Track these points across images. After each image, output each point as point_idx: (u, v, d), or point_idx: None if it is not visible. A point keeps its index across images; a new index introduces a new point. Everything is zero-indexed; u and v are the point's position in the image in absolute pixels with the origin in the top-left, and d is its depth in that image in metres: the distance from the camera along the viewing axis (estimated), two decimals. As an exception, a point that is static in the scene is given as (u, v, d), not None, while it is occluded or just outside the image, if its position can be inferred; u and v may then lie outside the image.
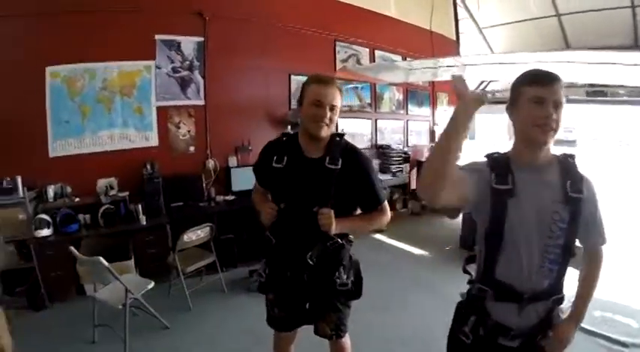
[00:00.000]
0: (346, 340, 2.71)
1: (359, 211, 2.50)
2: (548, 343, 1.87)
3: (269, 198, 2.46)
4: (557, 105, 1.68)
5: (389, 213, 2.50)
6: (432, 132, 10.11)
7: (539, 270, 1.79)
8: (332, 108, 2.24)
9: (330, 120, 2.25)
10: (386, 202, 2.50)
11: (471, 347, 1.95)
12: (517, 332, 1.84)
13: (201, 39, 6.34)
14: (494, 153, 1.90)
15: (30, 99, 5.28)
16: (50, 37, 5.34)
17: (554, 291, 1.84)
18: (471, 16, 10.20)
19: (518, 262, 1.79)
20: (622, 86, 8.37)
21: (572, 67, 4.47)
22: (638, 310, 4.55)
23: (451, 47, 10.08)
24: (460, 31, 10.47)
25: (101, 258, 3.64)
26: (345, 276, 2.44)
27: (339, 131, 2.57)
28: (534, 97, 1.70)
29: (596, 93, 8.88)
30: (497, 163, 1.85)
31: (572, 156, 1.85)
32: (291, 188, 2.33)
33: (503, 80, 9.27)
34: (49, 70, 5.38)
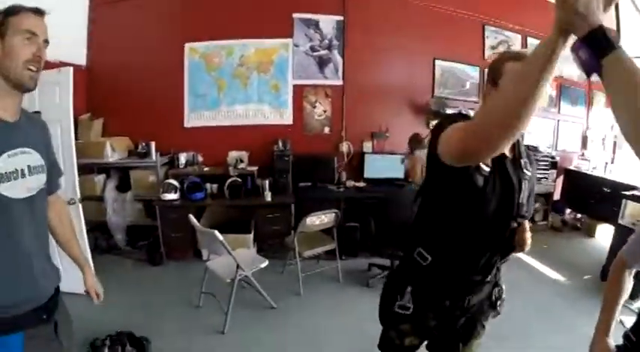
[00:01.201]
0: None
1: None
2: None
3: None
4: None
5: None
6: (584, 138, 9.00)
7: None
8: None
9: None
10: None
11: None
12: None
13: (341, 18, 6.13)
14: None
15: (170, 72, 5.59)
16: (190, 15, 5.60)
17: None
18: (635, 5, 9.20)
19: None
20: None
21: None
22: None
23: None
24: (621, 18, 9.45)
25: (216, 232, 3.58)
26: (498, 295, 1.99)
27: None
28: None
29: None
30: None
31: None
32: (495, 197, 1.66)
33: None
34: (187, 46, 5.63)
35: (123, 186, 5.34)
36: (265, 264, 3.99)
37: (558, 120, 8.44)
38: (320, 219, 4.54)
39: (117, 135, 5.40)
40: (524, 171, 1.73)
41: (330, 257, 4.94)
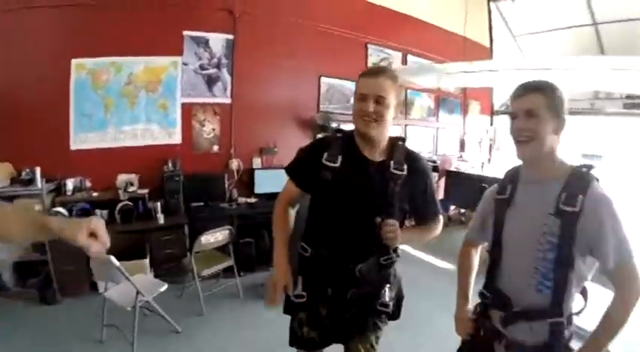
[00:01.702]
0: None
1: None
2: None
3: (291, 248, 2.19)
4: (532, 115, 1.68)
5: (441, 225, 2.32)
6: (462, 142, 9.84)
7: (529, 283, 1.74)
8: (378, 100, 1.94)
9: (379, 115, 1.95)
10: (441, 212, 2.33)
11: (472, 347, 2.05)
12: (510, 341, 1.83)
13: (231, 36, 6.23)
14: (513, 167, 1.97)
15: (54, 90, 5.25)
16: (78, 29, 5.31)
17: (552, 312, 1.70)
18: (506, 23, 9.98)
19: (512, 272, 1.84)
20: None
21: (606, 74, 4.36)
22: None
23: (484, 54, 9.77)
24: (494, 38, 10.21)
25: (112, 257, 3.48)
26: (387, 296, 2.17)
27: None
28: (510, 114, 1.78)
29: (635, 105, 8.55)
30: (506, 176, 1.96)
31: (588, 167, 1.71)
32: (346, 192, 2.04)
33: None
34: (74, 61, 5.33)
35: None
36: (165, 287, 4.01)
37: (437, 128, 9.20)
38: (215, 237, 4.61)
39: None
40: (393, 171, 2.03)
41: (229, 274, 5.01)
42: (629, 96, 8.62)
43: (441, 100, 9.28)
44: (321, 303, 2.17)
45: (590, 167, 1.71)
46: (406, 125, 8.57)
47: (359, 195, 2.03)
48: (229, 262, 4.88)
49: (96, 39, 5.41)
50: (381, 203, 2.01)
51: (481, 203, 2.13)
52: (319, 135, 2.03)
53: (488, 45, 10.12)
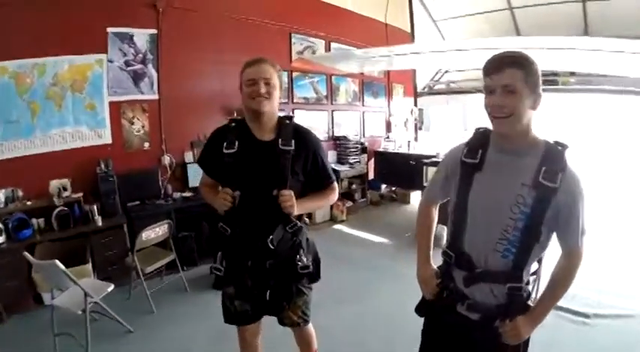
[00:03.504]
0: (311, 325, 2.78)
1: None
2: (503, 331, 1.85)
3: (220, 189, 2.39)
4: (510, 91, 1.67)
5: (337, 190, 2.62)
6: (388, 124, 10.23)
7: (495, 248, 1.81)
8: (266, 82, 2.24)
9: (269, 93, 2.25)
10: (335, 180, 2.60)
11: (435, 310, 2.12)
12: (472, 302, 1.92)
13: (155, 31, 6.19)
14: (482, 128, 1.97)
15: None
16: None
17: (512, 277, 1.81)
18: (426, 8, 10.35)
19: (478, 235, 1.87)
20: (573, 74, 8.61)
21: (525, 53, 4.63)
22: (596, 285, 4.76)
23: (406, 39, 10.15)
24: (415, 23, 10.55)
25: (56, 261, 3.50)
26: (305, 259, 2.44)
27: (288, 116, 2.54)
28: (485, 87, 1.75)
29: (547, 82, 9.09)
30: (475, 139, 1.96)
31: (562, 146, 1.77)
32: (246, 172, 2.30)
33: (455, 69, 9.47)
34: None
35: None
36: (112, 287, 3.97)
37: (363, 112, 9.49)
38: (155, 232, 4.67)
39: None
40: (281, 148, 2.29)
41: (173, 270, 5.08)
42: (543, 74, 9.17)
43: (366, 84, 9.57)
44: (246, 275, 2.43)
45: (564, 146, 1.76)
46: (332, 110, 8.80)
47: (256, 173, 2.29)
48: (171, 257, 4.92)
49: (17, 40, 5.19)
50: (275, 177, 2.27)
51: (444, 162, 2.15)
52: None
53: (409, 30, 10.45)
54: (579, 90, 8.91)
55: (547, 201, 1.70)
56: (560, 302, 3.87)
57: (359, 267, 5.61)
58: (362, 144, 8.99)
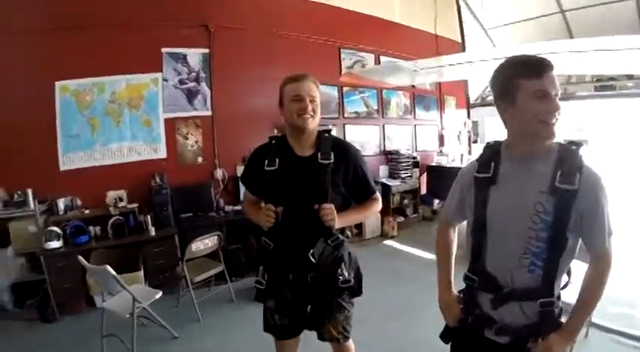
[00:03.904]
0: (351, 342, 2.66)
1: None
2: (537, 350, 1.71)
3: (262, 205, 2.40)
4: (557, 95, 1.59)
5: (381, 201, 2.57)
6: (441, 137, 10.10)
7: (520, 264, 1.69)
8: (312, 99, 2.28)
9: (314, 111, 2.28)
10: (377, 191, 2.57)
11: (461, 337, 1.97)
12: (501, 326, 1.77)
13: (207, 50, 6.45)
14: (492, 142, 1.90)
15: (40, 113, 5.44)
16: (59, 52, 5.50)
17: (542, 292, 1.68)
18: (476, 17, 10.25)
19: (500, 252, 1.76)
20: (631, 77, 8.31)
21: (577, 57, 4.42)
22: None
23: (457, 49, 9.99)
24: (465, 33, 10.45)
25: (108, 267, 3.66)
26: (347, 273, 2.41)
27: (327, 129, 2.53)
28: (537, 92, 1.58)
29: (605, 87, 8.81)
30: (488, 152, 1.86)
31: (576, 144, 1.67)
32: (287, 188, 2.31)
33: None
34: (58, 84, 5.53)
35: (2, 242, 5.01)
36: (160, 294, 4.09)
37: (415, 125, 9.36)
38: (204, 244, 4.78)
39: None
40: (321, 162, 2.29)
41: (221, 281, 5.20)
42: (599, 79, 8.88)
43: (417, 98, 9.52)
44: (286, 289, 2.43)
45: (579, 144, 1.67)
46: (384, 124, 8.77)
47: (297, 188, 2.29)
48: (220, 268, 5.03)
49: (78, 60, 5.60)
50: (316, 192, 2.26)
51: (457, 181, 2.06)
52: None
53: (459, 40, 10.37)
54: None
55: (568, 205, 1.60)
56: (614, 325, 3.80)
57: (407, 284, 5.43)
58: (414, 158, 8.87)
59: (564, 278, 1.78)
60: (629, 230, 6.83)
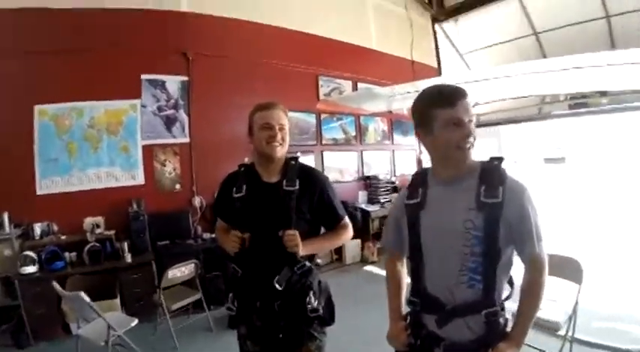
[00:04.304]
0: None
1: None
2: None
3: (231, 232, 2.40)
4: (471, 121, 1.70)
5: (351, 228, 2.56)
6: (419, 161, 10.20)
7: (459, 280, 1.74)
8: (281, 128, 2.32)
9: (282, 139, 2.33)
10: (347, 218, 2.55)
11: None
12: (448, 344, 1.80)
13: (186, 78, 6.56)
14: (420, 169, 2.01)
15: (19, 136, 5.48)
16: (39, 76, 5.57)
17: (485, 304, 1.72)
18: (451, 42, 10.48)
19: (438, 272, 1.82)
20: (604, 94, 8.49)
21: (551, 76, 4.55)
22: (638, 316, 4.52)
23: (433, 74, 10.15)
24: (441, 58, 10.69)
25: (82, 293, 3.68)
26: (315, 302, 2.36)
27: (296, 156, 2.55)
28: (451, 120, 1.69)
29: (579, 105, 9.00)
30: (416, 179, 1.96)
31: (498, 159, 1.77)
32: (253, 215, 2.33)
33: (482, 100, 9.42)
34: (37, 108, 5.58)
35: None
36: (135, 322, 4.10)
37: (393, 151, 9.48)
38: (181, 271, 4.77)
39: None
40: (285, 188, 2.32)
41: (199, 309, 5.16)
42: (573, 97, 9.08)
43: (395, 123, 9.65)
44: (255, 316, 2.41)
45: (500, 159, 1.76)
46: (362, 150, 8.88)
47: (262, 215, 2.32)
48: (198, 296, 4.99)
49: (57, 85, 5.68)
50: (281, 218, 2.28)
51: (390, 213, 2.16)
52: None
53: (436, 65, 10.59)
54: (613, 110, 8.72)
55: (496, 218, 1.67)
56: (602, 340, 3.85)
57: (386, 309, 5.32)
58: (393, 183, 8.96)
59: (507, 288, 1.83)
60: (610, 246, 7.08)
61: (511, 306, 1.82)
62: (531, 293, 1.76)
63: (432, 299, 1.83)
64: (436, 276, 1.82)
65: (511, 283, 1.86)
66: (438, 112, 1.71)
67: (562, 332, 3.44)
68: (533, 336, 3.90)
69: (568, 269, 3.49)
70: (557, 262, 3.65)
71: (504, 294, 1.80)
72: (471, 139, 1.70)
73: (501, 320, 1.76)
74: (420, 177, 1.94)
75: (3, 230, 5.04)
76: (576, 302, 3.39)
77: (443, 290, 1.79)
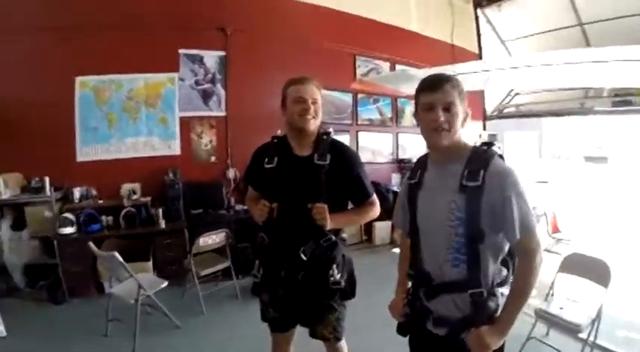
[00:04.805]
0: (344, 344, 2.71)
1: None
2: (468, 341, 1.81)
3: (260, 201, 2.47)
4: (448, 108, 1.76)
5: (378, 206, 2.58)
6: None
7: (446, 258, 1.83)
8: (314, 102, 2.35)
9: (315, 113, 2.36)
10: (375, 195, 2.57)
11: (408, 329, 2.12)
12: (436, 317, 1.92)
13: (223, 53, 6.64)
14: (424, 153, 2.06)
15: (61, 105, 5.72)
16: (81, 49, 5.76)
17: (470, 284, 1.79)
18: (493, 28, 10.24)
19: (430, 250, 1.93)
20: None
21: (595, 68, 4.38)
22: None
23: (473, 59, 9.80)
24: (483, 44, 10.45)
25: (116, 253, 3.82)
26: (338, 275, 2.42)
27: (328, 131, 2.58)
28: (425, 104, 1.81)
29: (622, 102, 8.68)
30: (417, 162, 2.07)
31: (488, 144, 1.86)
32: (283, 186, 2.38)
33: (526, 88, 9.16)
34: (78, 79, 5.80)
35: (18, 225, 5.30)
36: (165, 284, 4.25)
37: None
38: (212, 239, 4.88)
39: (7, 171, 5.37)
40: (317, 163, 2.37)
41: (227, 278, 5.25)
42: (617, 94, 8.77)
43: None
44: (278, 285, 2.48)
45: (490, 144, 1.85)
46: (397, 133, 8.81)
47: (292, 186, 2.37)
48: (226, 264, 5.12)
49: (98, 58, 5.85)
50: (310, 191, 2.32)
51: (399, 193, 2.25)
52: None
53: (477, 51, 10.38)
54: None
55: (477, 200, 1.73)
56: (623, 350, 3.75)
57: None
58: None
59: (502, 272, 1.89)
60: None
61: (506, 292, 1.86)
62: (516, 280, 1.83)
63: (424, 273, 1.95)
64: (429, 253, 1.94)
65: (507, 268, 1.92)
66: (420, 97, 1.85)
67: (583, 336, 3.37)
68: (552, 336, 3.87)
69: (595, 271, 3.45)
70: (583, 262, 3.63)
71: (497, 279, 1.86)
72: (443, 124, 1.76)
73: (491, 303, 1.82)
74: (421, 159, 2.05)
75: (44, 192, 5.26)
76: (601, 307, 3.32)
77: (434, 267, 1.90)
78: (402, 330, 2.14)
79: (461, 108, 1.79)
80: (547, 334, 3.87)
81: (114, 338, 4.16)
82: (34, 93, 5.52)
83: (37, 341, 4.07)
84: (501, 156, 1.84)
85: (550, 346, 3.56)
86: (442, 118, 1.75)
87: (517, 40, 10.14)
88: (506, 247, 1.86)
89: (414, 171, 2.02)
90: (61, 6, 5.68)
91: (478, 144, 1.88)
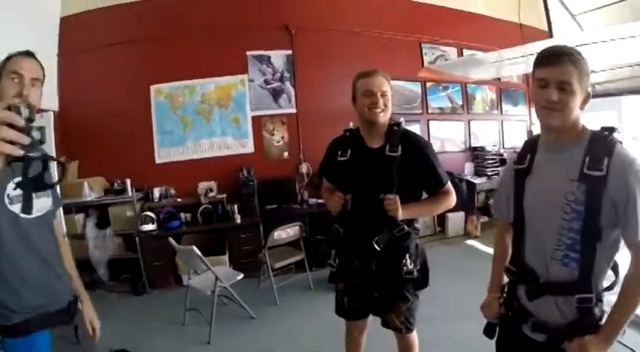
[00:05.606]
0: (415, 335, 2.68)
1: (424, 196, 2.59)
2: (570, 351, 1.61)
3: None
4: (564, 88, 1.53)
5: (454, 195, 2.52)
6: (530, 133, 9.34)
7: (553, 256, 1.64)
8: (383, 94, 2.35)
9: (384, 105, 2.36)
10: (449, 184, 2.52)
11: (502, 332, 1.94)
12: (536, 320, 1.72)
13: (290, 51, 6.77)
14: (533, 136, 1.89)
15: (138, 112, 6.16)
16: (154, 59, 6.19)
17: (579, 287, 1.59)
18: (562, 2, 9.79)
19: (536, 244, 1.72)
20: None
21: None
22: None
23: (543, 37, 9.24)
24: (552, 21, 9.96)
25: (194, 247, 4.02)
26: (411, 265, 2.43)
27: (399, 122, 2.56)
28: (539, 80, 1.59)
29: None
30: (526, 145, 1.85)
31: (609, 129, 1.60)
32: (355, 178, 2.43)
33: (601, 65, 8.67)
34: (153, 87, 6.20)
35: (102, 223, 5.69)
36: (241, 276, 4.40)
37: (502, 121, 8.94)
38: (286, 232, 4.99)
39: (92, 175, 5.81)
40: (388, 154, 2.38)
41: (301, 270, 5.36)
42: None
43: (504, 92, 9.06)
44: (353, 274, 2.55)
45: (612, 129, 1.60)
46: (469, 120, 8.52)
47: (365, 178, 2.42)
48: (300, 256, 5.22)
49: (170, 66, 6.23)
50: (383, 182, 2.35)
51: (501, 176, 2.10)
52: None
53: (546, 29, 9.96)
54: None
55: (599, 192, 1.51)
56: None
57: (483, 286, 5.08)
58: (501, 155, 8.37)
59: (609, 275, 1.68)
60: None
61: (611, 299, 1.64)
62: (629, 285, 1.58)
63: (528, 270, 1.75)
64: (534, 248, 1.73)
65: (616, 271, 1.70)
66: (535, 70, 1.64)
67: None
68: (629, 333, 3.58)
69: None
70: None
71: (605, 283, 1.67)
72: (556, 105, 1.55)
73: (596, 310, 1.62)
74: (530, 142, 1.83)
75: (126, 193, 5.67)
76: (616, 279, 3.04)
77: (539, 264, 1.70)
78: (490, 331, 2.00)
79: (579, 88, 1.54)
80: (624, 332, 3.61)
81: (191, 327, 4.40)
82: (114, 102, 5.99)
83: (120, 328, 4.25)
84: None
85: (625, 345, 3.30)
86: (555, 98, 1.53)
87: (588, 13, 9.65)
88: (620, 247, 1.63)
89: (522, 155, 1.80)
90: (134, 21, 6.15)
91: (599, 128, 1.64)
